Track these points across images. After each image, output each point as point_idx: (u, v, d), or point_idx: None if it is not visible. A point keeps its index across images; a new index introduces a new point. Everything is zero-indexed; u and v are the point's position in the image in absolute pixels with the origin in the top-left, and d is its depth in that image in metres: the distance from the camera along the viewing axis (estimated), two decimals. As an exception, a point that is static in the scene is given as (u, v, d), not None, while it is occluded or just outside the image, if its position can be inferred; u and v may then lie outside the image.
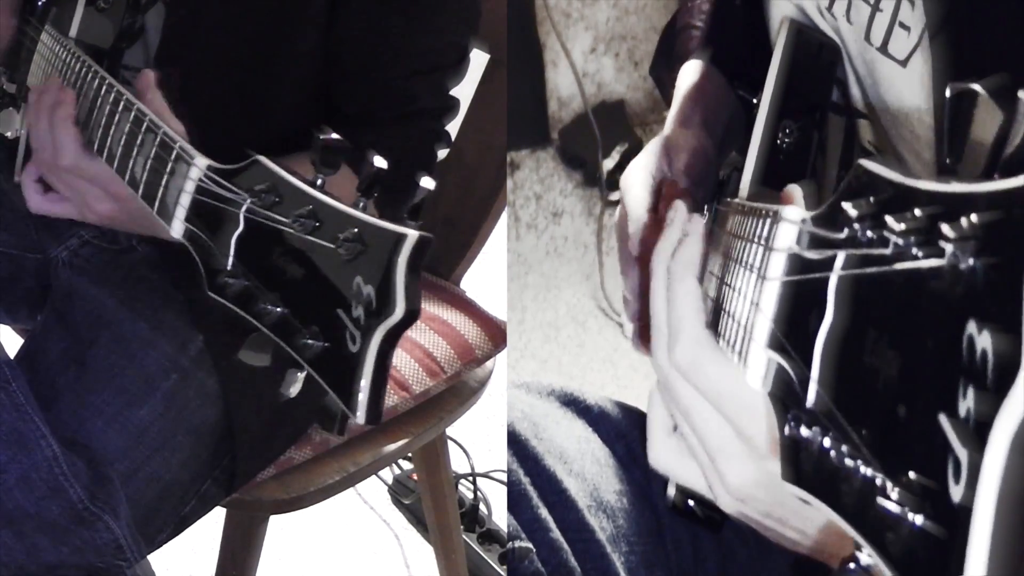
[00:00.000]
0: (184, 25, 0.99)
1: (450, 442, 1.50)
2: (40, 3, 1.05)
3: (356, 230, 0.55)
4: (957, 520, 0.30)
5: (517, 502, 0.77)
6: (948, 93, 0.41)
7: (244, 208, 0.62)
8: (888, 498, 0.35)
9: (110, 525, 0.89)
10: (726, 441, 0.54)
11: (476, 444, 1.82)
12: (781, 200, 0.56)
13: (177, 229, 0.70)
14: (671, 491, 0.73)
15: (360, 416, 0.54)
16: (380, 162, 0.58)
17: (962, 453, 0.30)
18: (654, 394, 0.68)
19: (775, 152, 0.71)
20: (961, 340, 0.31)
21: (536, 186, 2.23)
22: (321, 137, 0.60)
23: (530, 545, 0.75)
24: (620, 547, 0.80)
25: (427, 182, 0.56)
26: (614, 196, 2.17)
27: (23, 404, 0.89)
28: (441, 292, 1.34)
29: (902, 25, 0.67)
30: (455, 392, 1.29)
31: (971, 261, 0.31)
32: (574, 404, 0.86)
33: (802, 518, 0.56)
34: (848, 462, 0.39)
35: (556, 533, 0.77)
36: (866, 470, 0.37)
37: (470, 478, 1.79)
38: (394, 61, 1.00)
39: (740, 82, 0.84)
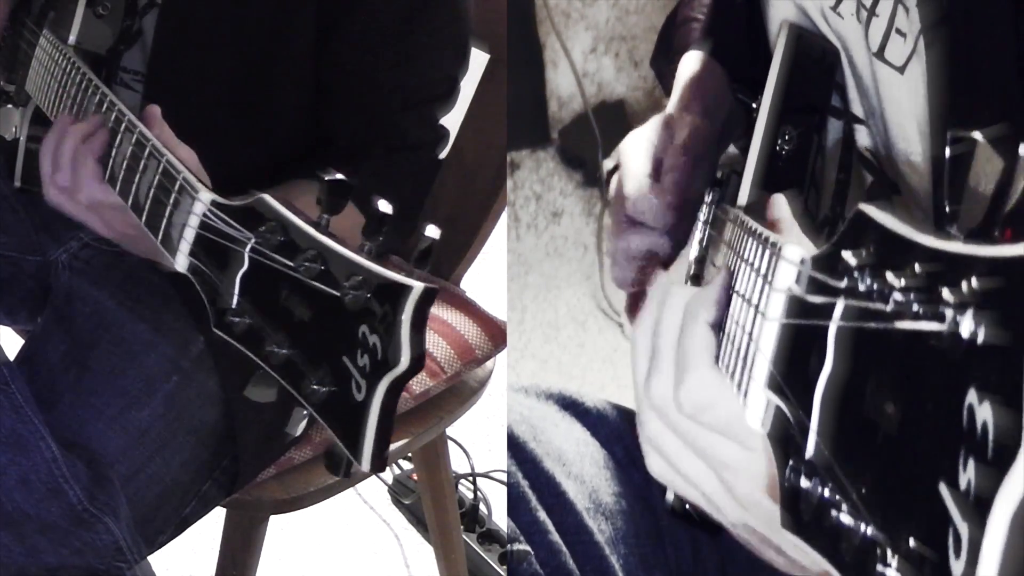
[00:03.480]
0: (177, 30, 0.99)
1: (450, 442, 1.51)
2: (38, 4, 1.05)
3: (361, 278, 0.55)
4: None
5: (516, 504, 0.77)
6: (948, 138, 0.41)
7: (249, 247, 0.62)
8: (888, 565, 0.34)
9: (110, 527, 0.90)
10: (734, 459, 0.53)
11: (476, 444, 1.82)
12: (768, 207, 0.56)
13: (181, 263, 0.69)
14: (670, 495, 0.73)
15: (365, 464, 0.55)
16: (386, 207, 0.57)
17: (963, 527, 0.30)
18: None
19: (775, 157, 0.71)
20: (962, 406, 0.31)
21: (536, 186, 2.23)
22: (327, 178, 0.60)
23: (529, 548, 0.75)
24: (619, 549, 0.80)
25: (432, 231, 0.56)
26: (614, 196, 2.17)
27: (22, 406, 0.89)
28: (441, 292, 1.34)
29: (898, 31, 0.67)
30: (455, 392, 1.29)
31: (971, 328, 0.31)
32: (573, 407, 0.86)
33: None
34: (848, 519, 0.38)
35: (555, 535, 0.77)
36: (866, 529, 0.37)
37: (470, 478, 1.79)
38: (385, 95, 1.00)
39: (739, 85, 0.84)
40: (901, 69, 0.67)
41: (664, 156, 0.81)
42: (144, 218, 0.76)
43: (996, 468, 0.29)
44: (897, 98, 0.68)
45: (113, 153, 0.82)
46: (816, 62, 0.73)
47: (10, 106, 1.09)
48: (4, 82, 1.10)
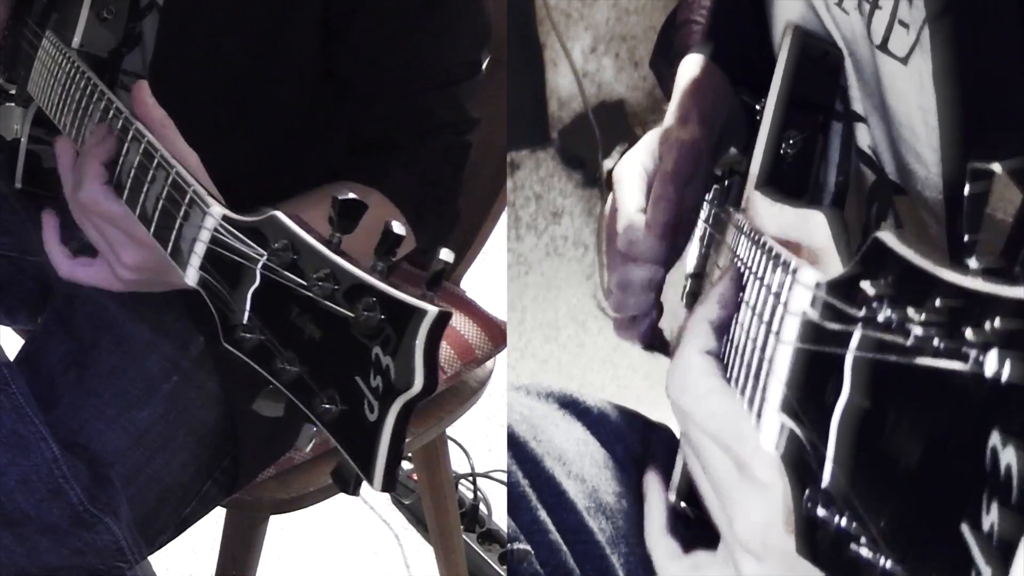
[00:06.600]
0: (177, 33, 0.99)
1: (450, 442, 1.51)
2: (40, 4, 1.05)
3: (374, 299, 0.55)
4: None
5: (516, 504, 0.77)
6: (969, 168, 0.41)
7: (260, 264, 0.62)
8: None
9: (110, 527, 0.90)
10: (730, 478, 0.52)
11: (476, 444, 1.82)
12: (797, 225, 0.55)
13: (192, 276, 0.69)
14: (671, 495, 0.73)
15: (377, 485, 0.55)
16: (399, 228, 0.57)
17: (985, 571, 0.30)
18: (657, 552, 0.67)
19: (779, 161, 0.70)
20: (985, 447, 0.31)
21: (536, 186, 2.23)
22: (340, 198, 0.60)
23: (529, 547, 0.75)
24: (619, 548, 0.80)
25: (446, 255, 0.56)
26: (614, 196, 2.17)
27: (23, 406, 0.89)
28: (441, 292, 1.34)
29: (901, 23, 0.67)
30: (455, 392, 1.29)
31: (995, 368, 0.31)
32: (573, 406, 0.85)
33: None
34: (867, 552, 0.38)
35: (555, 535, 0.77)
36: (886, 563, 0.36)
37: (470, 478, 1.79)
38: (407, 80, 1.00)
39: (742, 86, 0.84)
40: (904, 60, 0.67)
41: (654, 182, 0.82)
42: (152, 229, 0.76)
43: (1020, 513, 0.29)
44: (902, 90, 0.68)
45: (120, 161, 0.81)
46: (820, 64, 0.73)
47: (11, 104, 1.09)
48: (4, 81, 1.10)
